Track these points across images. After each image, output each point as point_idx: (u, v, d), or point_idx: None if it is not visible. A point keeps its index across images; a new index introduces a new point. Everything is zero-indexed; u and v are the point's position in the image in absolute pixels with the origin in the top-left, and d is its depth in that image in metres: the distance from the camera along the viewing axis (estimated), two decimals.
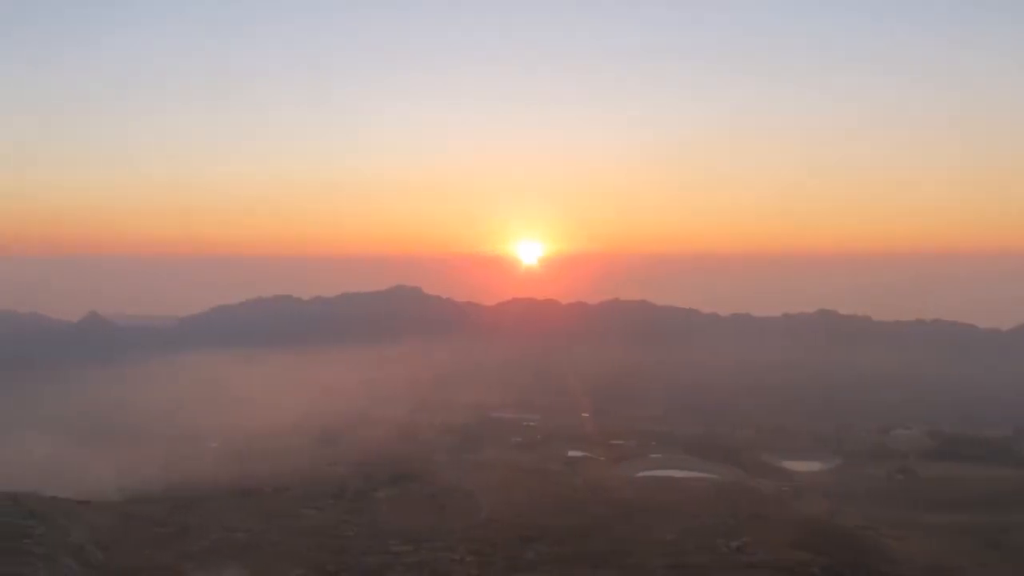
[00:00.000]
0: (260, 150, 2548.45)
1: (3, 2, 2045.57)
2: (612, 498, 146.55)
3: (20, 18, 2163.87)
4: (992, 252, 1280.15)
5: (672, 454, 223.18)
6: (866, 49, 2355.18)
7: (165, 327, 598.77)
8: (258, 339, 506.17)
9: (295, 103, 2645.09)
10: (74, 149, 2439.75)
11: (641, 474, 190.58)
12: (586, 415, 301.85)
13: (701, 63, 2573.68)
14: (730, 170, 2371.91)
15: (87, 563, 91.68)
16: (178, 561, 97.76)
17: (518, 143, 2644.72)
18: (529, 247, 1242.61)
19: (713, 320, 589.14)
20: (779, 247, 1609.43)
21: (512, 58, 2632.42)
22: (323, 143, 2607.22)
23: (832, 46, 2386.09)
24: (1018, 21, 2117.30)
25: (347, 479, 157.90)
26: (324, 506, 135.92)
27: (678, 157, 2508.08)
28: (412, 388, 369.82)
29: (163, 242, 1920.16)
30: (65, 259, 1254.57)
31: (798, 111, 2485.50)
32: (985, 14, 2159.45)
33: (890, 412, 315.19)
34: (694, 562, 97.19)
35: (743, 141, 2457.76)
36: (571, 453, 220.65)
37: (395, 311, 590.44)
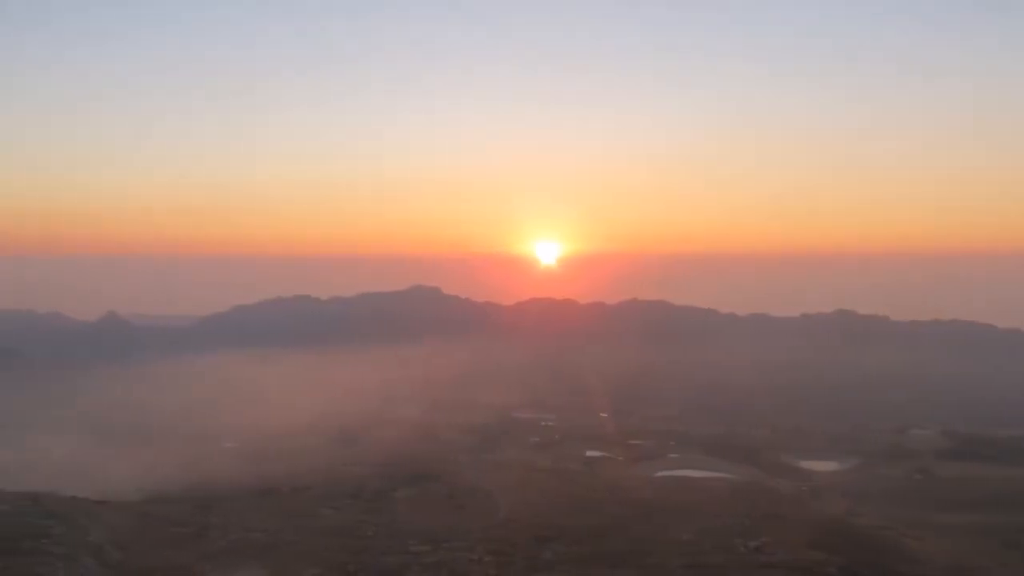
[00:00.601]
0: (280, 150, 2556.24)
1: (21, 5, 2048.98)
2: (630, 498, 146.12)
3: (37, 20, 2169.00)
4: (1011, 252, 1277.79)
5: (690, 454, 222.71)
6: (885, 48, 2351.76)
7: (183, 327, 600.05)
8: (277, 339, 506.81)
9: (315, 103, 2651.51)
10: (93, 149, 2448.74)
11: (659, 474, 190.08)
12: (604, 415, 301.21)
13: (720, 63, 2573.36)
14: (749, 170, 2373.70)
15: (106, 563, 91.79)
16: (196, 561, 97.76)
17: (537, 143, 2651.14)
18: (548, 247, 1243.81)
19: (731, 320, 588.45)
20: (798, 247, 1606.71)
21: (532, 58, 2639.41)
22: (343, 143, 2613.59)
23: (850, 46, 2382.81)
24: None
25: (365, 479, 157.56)
26: (342, 506, 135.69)
27: (697, 157, 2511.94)
28: (430, 388, 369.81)
29: (182, 242, 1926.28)
30: (84, 259, 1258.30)
31: (817, 110, 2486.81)
32: (1008, 10, 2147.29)
33: (907, 412, 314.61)
34: (711, 562, 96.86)
35: (762, 141, 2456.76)
36: (589, 453, 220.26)
37: (414, 311, 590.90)
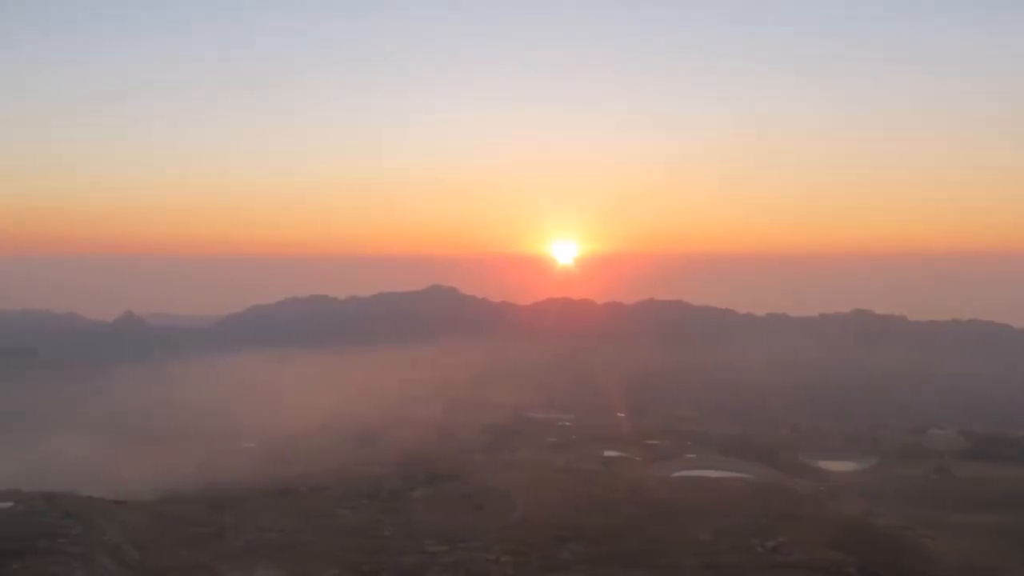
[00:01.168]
0: (297, 150, 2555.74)
1: (39, 7, 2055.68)
2: (647, 498, 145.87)
3: (53, 21, 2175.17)
4: None
5: (707, 454, 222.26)
6: (901, 46, 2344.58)
7: (201, 327, 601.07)
8: (294, 339, 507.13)
9: (332, 102, 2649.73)
10: (110, 150, 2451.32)
11: (676, 474, 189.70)
12: (621, 415, 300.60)
13: (737, 62, 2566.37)
14: (767, 170, 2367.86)
15: (123, 562, 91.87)
16: (214, 561, 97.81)
17: (555, 143, 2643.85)
18: (565, 247, 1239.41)
19: (748, 320, 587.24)
20: (815, 247, 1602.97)
21: (550, 57, 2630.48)
22: (360, 143, 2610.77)
23: (866, 44, 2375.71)
24: None
25: (382, 479, 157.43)
26: (359, 506, 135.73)
27: (715, 157, 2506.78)
28: (447, 388, 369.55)
29: (199, 242, 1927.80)
30: (100, 259, 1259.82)
31: (835, 110, 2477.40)
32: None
33: (925, 412, 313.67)
34: (729, 562, 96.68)
35: (780, 141, 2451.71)
36: (606, 453, 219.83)
37: (431, 311, 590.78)
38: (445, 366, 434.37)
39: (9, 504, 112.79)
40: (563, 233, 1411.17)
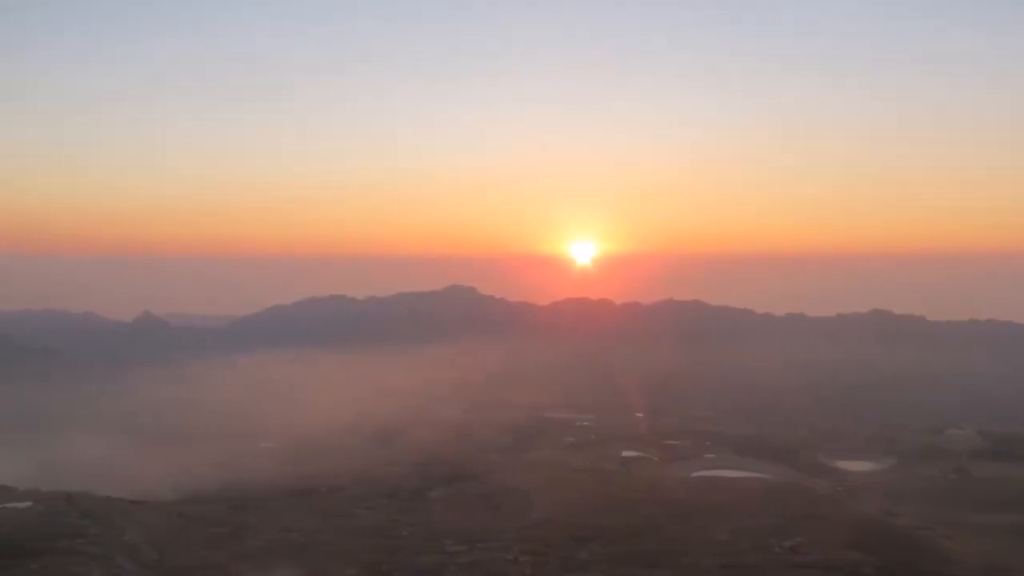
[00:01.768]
0: (315, 150, 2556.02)
1: (60, 8, 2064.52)
2: (666, 498, 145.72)
3: (71, 23, 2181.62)
4: None
5: (726, 454, 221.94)
6: (920, 47, 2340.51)
7: (219, 327, 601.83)
8: (312, 339, 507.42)
9: (350, 102, 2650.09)
10: (129, 150, 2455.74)
11: (695, 474, 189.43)
12: (640, 415, 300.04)
13: (755, 62, 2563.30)
14: (786, 170, 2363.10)
15: (141, 562, 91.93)
16: (232, 561, 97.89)
17: (573, 143, 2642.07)
18: (583, 247, 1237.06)
19: (767, 320, 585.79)
20: (833, 247, 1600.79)
21: (569, 57, 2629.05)
22: (378, 143, 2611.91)
23: (885, 45, 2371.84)
24: None
25: (401, 479, 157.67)
26: (378, 506, 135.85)
27: (733, 157, 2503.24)
28: (466, 388, 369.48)
29: (218, 242, 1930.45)
30: (120, 259, 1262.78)
31: (853, 110, 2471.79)
32: None
33: (943, 412, 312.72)
34: (747, 562, 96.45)
35: (799, 141, 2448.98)
36: (625, 453, 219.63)
37: (449, 311, 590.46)
38: (464, 366, 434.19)
39: (28, 504, 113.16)
40: (581, 233, 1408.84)
